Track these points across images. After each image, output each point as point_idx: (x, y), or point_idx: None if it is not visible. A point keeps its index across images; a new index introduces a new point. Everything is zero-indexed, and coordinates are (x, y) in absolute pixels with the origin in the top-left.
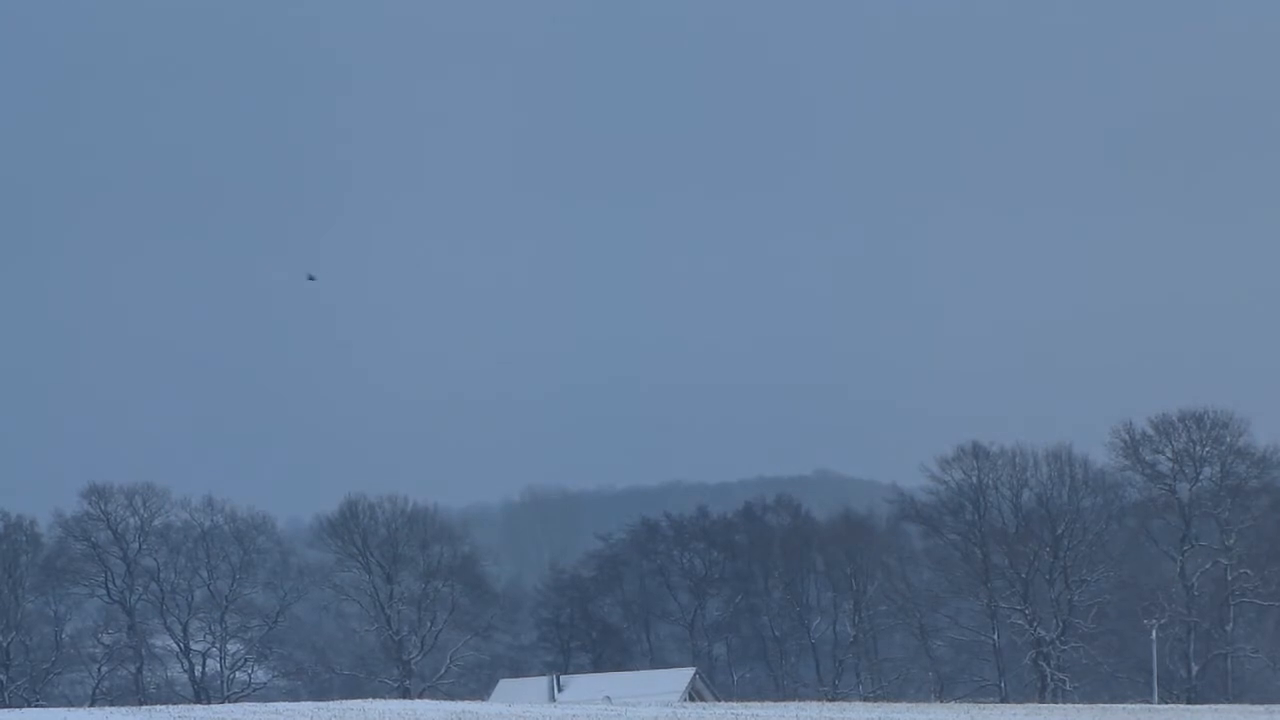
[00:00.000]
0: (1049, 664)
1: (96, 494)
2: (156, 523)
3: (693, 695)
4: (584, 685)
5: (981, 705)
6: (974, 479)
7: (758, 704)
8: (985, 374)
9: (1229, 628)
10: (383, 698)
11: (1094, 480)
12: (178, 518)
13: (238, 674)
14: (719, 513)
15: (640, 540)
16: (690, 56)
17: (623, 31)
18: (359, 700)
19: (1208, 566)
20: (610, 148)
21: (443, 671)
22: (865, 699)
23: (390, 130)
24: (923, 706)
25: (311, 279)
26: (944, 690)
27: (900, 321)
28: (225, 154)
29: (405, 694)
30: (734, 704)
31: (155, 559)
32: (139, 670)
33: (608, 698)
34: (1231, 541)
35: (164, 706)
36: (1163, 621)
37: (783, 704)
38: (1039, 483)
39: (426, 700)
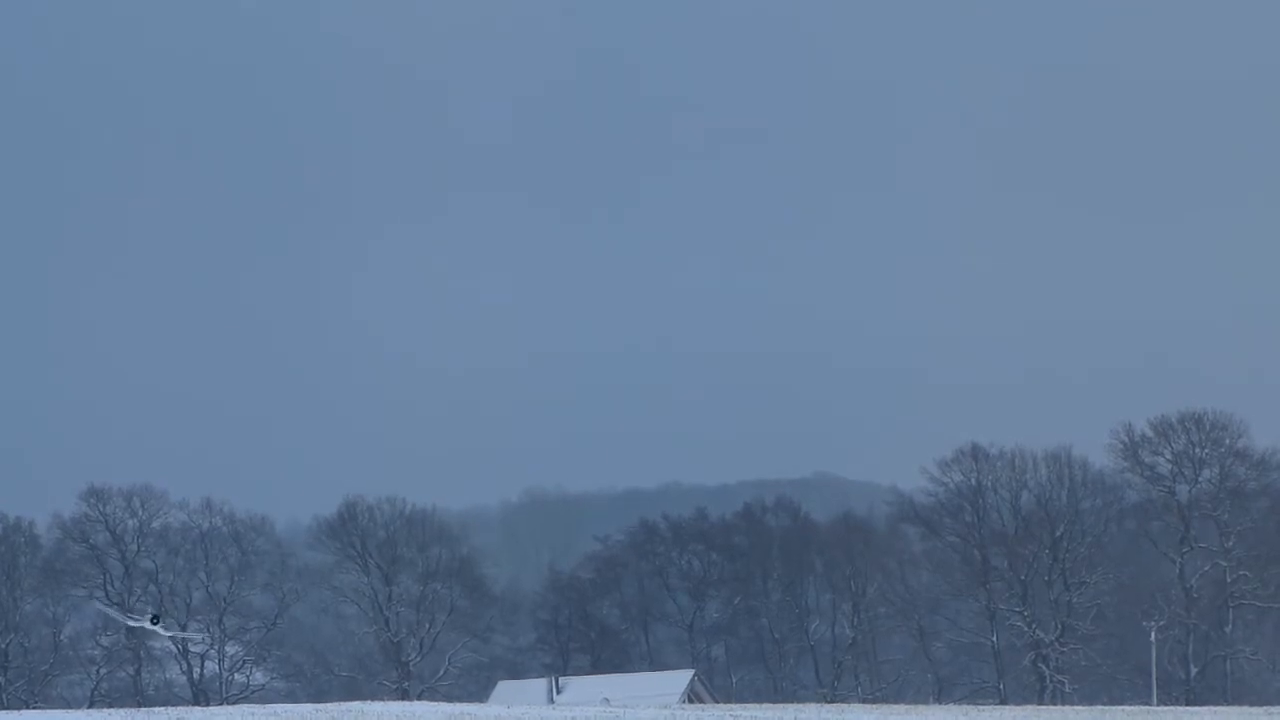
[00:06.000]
0: (1048, 666)
1: (95, 496)
2: (155, 524)
3: (691, 697)
4: (583, 687)
5: (980, 707)
6: (973, 481)
7: (756, 706)
8: (985, 376)
9: (1228, 629)
10: (381, 699)
11: (1093, 482)
12: (176, 519)
13: (236, 676)
14: (718, 515)
15: (639, 542)
16: (693, 54)
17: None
18: (358, 702)
19: (1207, 568)
20: (610, 152)
21: (441, 673)
22: (864, 701)
23: (391, 133)
24: (922, 708)
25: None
26: (943, 692)
27: (900, 323)
28: (225, 157)
29: (404, 696)
30: (733, 706)
31: (154, 560)
32: (137, 672)
33: (606, 699)
34: (1230, 544)
35: (162, 708)
36: (1162, 623)
37: (782, 706)
38: (1038, 485)
39: (425, 702)
